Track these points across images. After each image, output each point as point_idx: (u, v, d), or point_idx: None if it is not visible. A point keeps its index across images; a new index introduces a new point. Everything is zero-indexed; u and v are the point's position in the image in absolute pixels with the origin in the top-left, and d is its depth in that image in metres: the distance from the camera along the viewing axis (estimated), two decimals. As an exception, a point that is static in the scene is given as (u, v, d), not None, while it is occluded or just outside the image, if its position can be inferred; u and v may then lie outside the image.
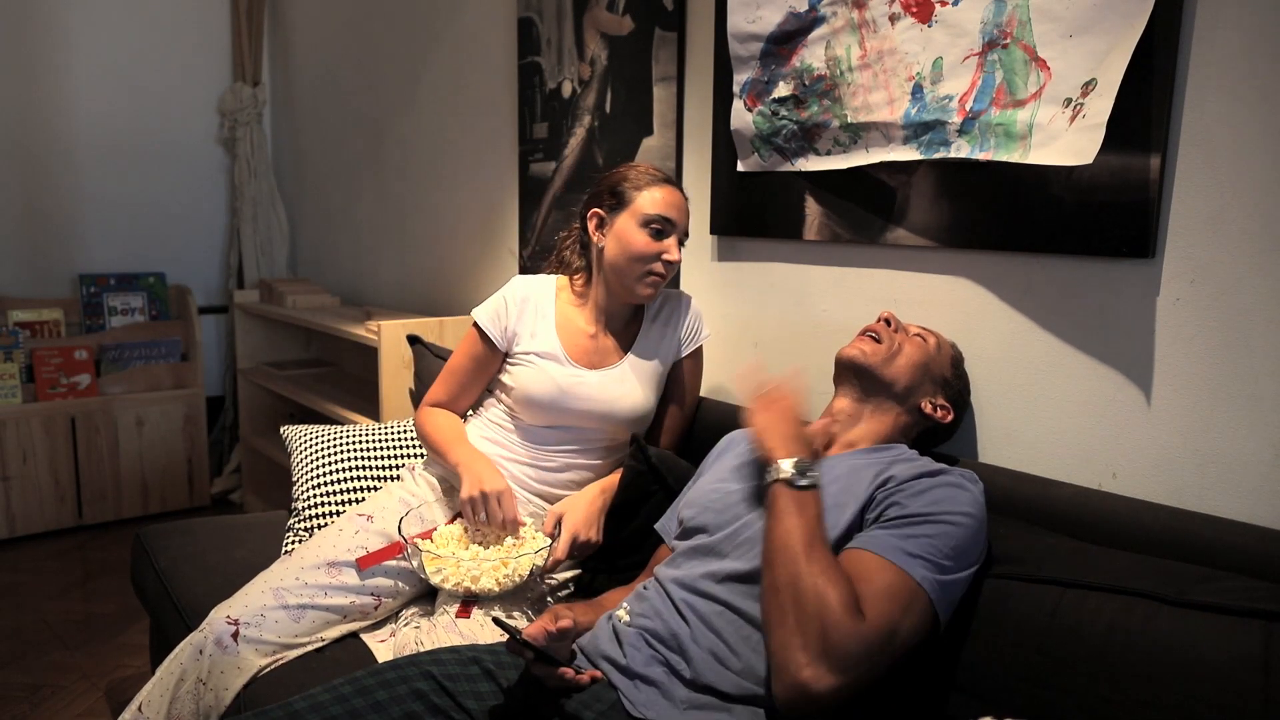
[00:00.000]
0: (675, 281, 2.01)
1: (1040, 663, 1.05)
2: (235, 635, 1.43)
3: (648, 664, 1.15)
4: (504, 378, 1.69)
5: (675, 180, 1.67)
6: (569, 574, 1.62)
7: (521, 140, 2.44)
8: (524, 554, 1.47)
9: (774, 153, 1.70)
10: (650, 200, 1.60)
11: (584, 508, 1.57)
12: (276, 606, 1.47)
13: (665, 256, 1.60)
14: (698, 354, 1.76)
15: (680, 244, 1.63)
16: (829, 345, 1.63)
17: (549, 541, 1.51)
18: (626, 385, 1.65)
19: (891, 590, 1.02)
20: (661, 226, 1.60)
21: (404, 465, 1.90)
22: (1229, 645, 0.94)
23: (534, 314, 1.69)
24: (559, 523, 1.55)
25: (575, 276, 1.73)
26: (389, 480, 1.88)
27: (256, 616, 1.45)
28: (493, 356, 1.69)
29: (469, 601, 1.49)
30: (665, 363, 1.72)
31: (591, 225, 1.65)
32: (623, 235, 1.60)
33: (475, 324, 1.70)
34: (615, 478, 1.63)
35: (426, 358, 2.34)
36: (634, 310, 1.72)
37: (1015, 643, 1.08)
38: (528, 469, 1.65)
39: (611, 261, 1.62)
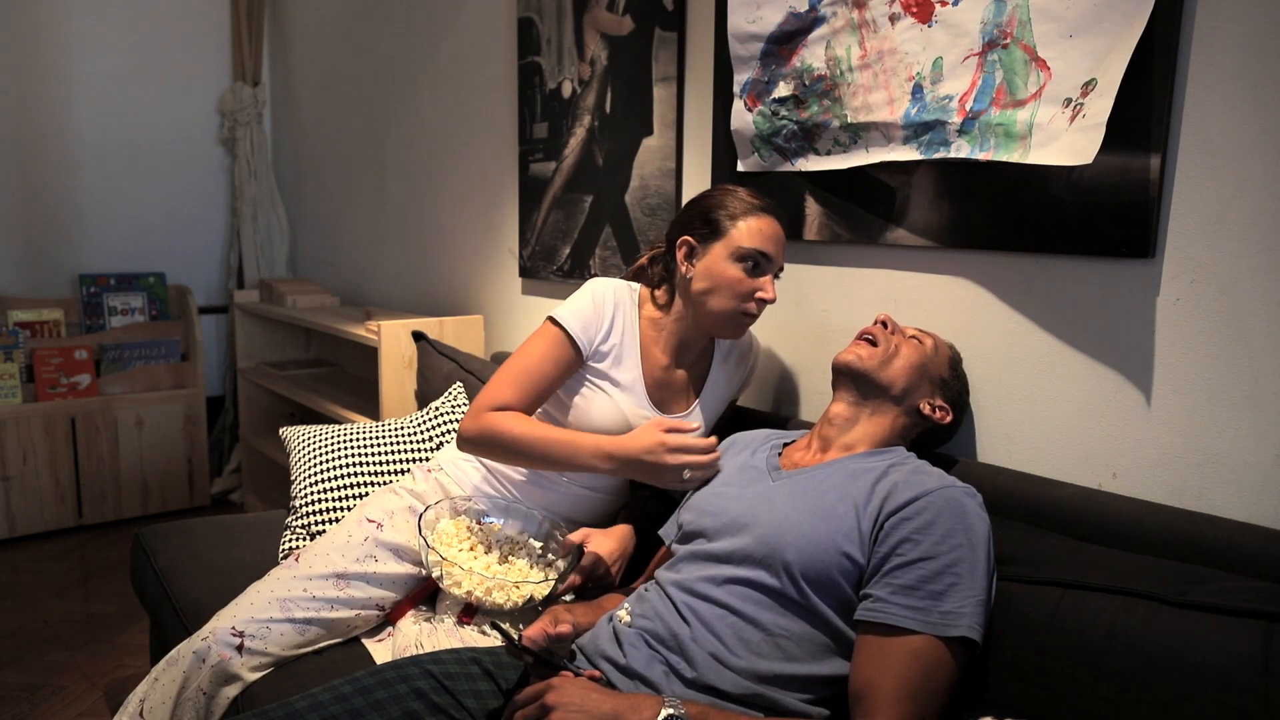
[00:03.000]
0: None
1: (1040, 663, 1.05)
2: (240, 648, 1.41)
3: (647, 664, 1.15)
4: (563, 393, 1.57)
5: (774, 208, 1.52)
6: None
7: (521, 140, 2.44)
8: (544, 581, 1.46)
9: (774, 153, 1.70)
10: (747, 231, 1.46)
11: (613, 546, 1.51)
12: (283, 619, 1.45)
13: (760, 295, 1.47)
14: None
15: (776, 278, 1.51)
16: (829, 346, 1.64)
17: (568, 570, 1.48)
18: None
19: (925, 667, 1.03)
20: (757, 261, 1.47)
21: (414, 464, 1.88)
22: (1229, 645, 0.94)
23: (619, 332, 1.56)
24: (580, 546, 1.50)
25: (657, 290, 1.60)
26: (390, 477, 1.88)
27: (262, 629, 1.43)
28: (574, 364, 1.53)
29: (470, 608, 1.49)
30: (723, 404, 1.67)
31: (680, 254, 1.52)
32: (714, 269, 1.47)
33: (561, 326, 1.52)
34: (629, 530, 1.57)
35: (430, 355, 2.34)
36: (705, 345, 1.62)
37: (1016, 643, 1.08)
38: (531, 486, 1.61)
39: (699, 296, 1.50)
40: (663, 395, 1.57)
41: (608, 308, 1.55)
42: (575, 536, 1.50)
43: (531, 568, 1.50)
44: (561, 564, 1.51)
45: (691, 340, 1.57)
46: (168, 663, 1.44)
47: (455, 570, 1.43)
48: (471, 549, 1.51)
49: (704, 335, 1.58)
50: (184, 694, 1.40)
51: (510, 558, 1.53)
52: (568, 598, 1.57)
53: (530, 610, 1.49)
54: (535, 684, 1.08)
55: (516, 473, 1.62)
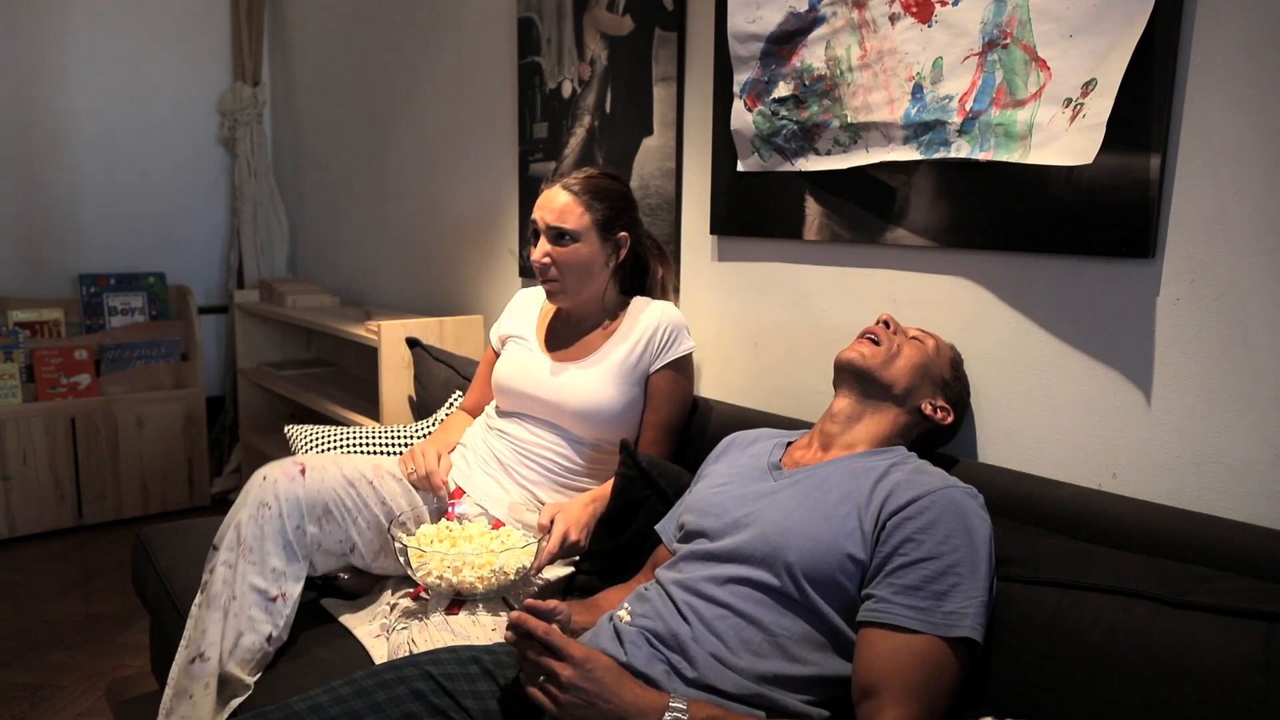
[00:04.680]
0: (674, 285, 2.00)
1: (1040, 663, 1.05)
2: (303, 471, 1.53)
3: (648, 663, 1.15)
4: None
5: (571, 180, 1.70)
6: (563, 572, 1.62)
7: (521, 140, 2.44)
8: (509, 549, 1.48)
9: (774, 153, 1.70)
10: None
11: (576, 510, 1.58)
12: (335, 467, 1.57)
13: (533, 258, 1.70)
14: (677, 367, 1.70)
15: (559, 243, 1.67)
16: (829, 345, 1.64)
17: (534, 541, 1.52)
18: (580, 381, 1.68)
19: (929, 667, 1.03)
20: (535, 230, 1.71)
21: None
22: (1229, 645, 0.94)
23: (524, 312, 1.87)
24: (552, 521, 1.55)
25: None
26: None
27: (319, 468, 1.55)
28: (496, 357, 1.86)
29: (457, 601, 1.49)
30: (636, 371, 1.69)
31: None
32: None
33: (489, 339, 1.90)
34: (608, 487, 1.62)
35: (426, 360, 2.34)
36: (611, 313, 1.76)
37: (1015, 644, 1.08)
38: (511, 458, 1.72)
39: None
40: (558, 347, 1.77)
41: (512, 307, 1.90)
42: (544, 517, 1.56)
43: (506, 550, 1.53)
44: (528, 538, 1.56)
45: (570, 310, 1.77)
46: (239, 506, 1.52)
47: (426, 558, 1.46)
48: (453, 545, 1.52)
49: (578, 310, 1.76)
50: (245, 508, 1.49)
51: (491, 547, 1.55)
52: (549, 575, 1.60)
53: (513, 591, 1.52)
54: (564, 639, 1.07)
55: (495, 450, 1.73)
